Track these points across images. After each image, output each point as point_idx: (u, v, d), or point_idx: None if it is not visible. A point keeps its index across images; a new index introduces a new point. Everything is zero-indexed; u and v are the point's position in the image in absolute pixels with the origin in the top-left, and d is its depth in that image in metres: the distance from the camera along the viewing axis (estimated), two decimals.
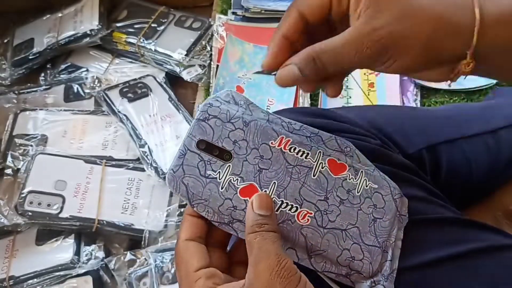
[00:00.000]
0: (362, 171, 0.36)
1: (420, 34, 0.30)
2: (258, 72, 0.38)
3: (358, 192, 0.36)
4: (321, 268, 0.34)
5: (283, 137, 0.36)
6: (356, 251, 0.34)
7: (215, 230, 0.35)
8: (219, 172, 0.34)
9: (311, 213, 0.34)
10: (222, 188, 0.34)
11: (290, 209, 0.34)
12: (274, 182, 0.35)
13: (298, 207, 0.34)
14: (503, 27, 0.30)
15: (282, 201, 0.34)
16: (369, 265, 0.34)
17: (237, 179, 0.34)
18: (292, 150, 0.36)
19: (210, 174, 0.34)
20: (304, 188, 0.35)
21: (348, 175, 0.36)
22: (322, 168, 0.36)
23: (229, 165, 0.34)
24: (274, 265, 0.30)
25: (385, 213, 0.36)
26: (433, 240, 0.38)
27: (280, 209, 0.34)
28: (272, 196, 0.34)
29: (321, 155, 0.36)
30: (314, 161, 0.36)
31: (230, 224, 0.34)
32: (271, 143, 0.36)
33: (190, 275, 0.32)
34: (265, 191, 0.34)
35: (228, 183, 0.34)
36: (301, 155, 0.36)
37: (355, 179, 0.36)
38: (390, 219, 0.35)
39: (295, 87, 0.79)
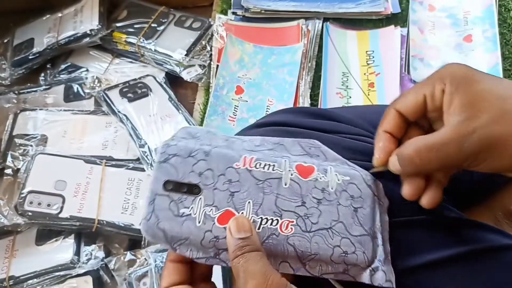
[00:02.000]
0: (330, 167, 0.37)
1: None
2: (373, 172, 0.39)
3: (332, 189, 0.36)
4: (318, 272, 0.34)
5: (246, 156, 0.36)
6: (346, 245, 0.34)
7: (196, 267, 0.35)
8: (192, 207, 0.34)
9: (293, 221, 0.34)
10: (199, 222, 0.33)
11: (271, 224, 0.34)
12: (249, 202, 0.34)
13: (279, 219, 0.34)
14: None
15: (261, 217, 0.34)
16: (363, 255, 0.34)
17: (212, 208, 0.34)
18: (258, 166, 0.36)
19: (184, 212, 0.34)
20: (279, 199, 0.35)
21: (318, 175, 0.36)
22: (291, 175, 0.36)
23: (201, 198, 0.34)
24: (261, 284, 0.30)
25: (364, 200, 0.36)
26: (433, 241, 0.38)
27: (262, 226, 0.34)
28: (250, 216, 0.34)
29: (287, 163, 0.36)
30: (282, 170, 0.36)
31: (217, 256, 0.33)
32: (236, 165, 0.36)
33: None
34: (242, 213, 0.34)
35: (204, 215, 0.34)
36: (268, 169, 0.36)
37: (326, 176, 0.36)
38: (370, 205, 0.36)
39: (295, 86, 0.79)
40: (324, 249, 0.34)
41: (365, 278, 0.34)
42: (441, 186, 0.37)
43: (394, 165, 0.36)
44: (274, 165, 0.36)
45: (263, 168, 0.36)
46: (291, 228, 0.34)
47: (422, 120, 0.38)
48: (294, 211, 0.35)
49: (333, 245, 0.34)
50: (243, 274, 0.31)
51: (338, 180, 0.36)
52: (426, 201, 0.36)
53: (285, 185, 0.36)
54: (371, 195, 0.36)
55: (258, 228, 0.34)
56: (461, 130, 0.32)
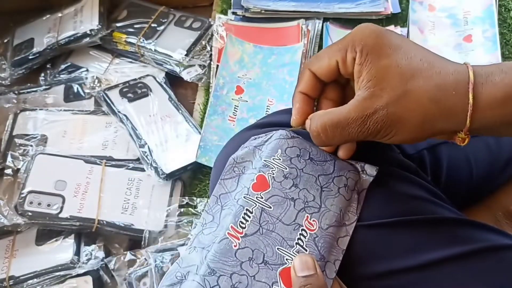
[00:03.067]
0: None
1: (416, 117, 0.33)
2: (292, 129, 0.40)
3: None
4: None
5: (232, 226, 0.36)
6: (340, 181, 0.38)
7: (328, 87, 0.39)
8: None
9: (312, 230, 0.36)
10: None
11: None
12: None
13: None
14: (495, 109, 0.32)
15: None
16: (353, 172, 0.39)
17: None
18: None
19: None
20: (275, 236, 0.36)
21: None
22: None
23: None
24: None
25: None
26: (433, 241, 0.38)
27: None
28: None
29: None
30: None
31: None
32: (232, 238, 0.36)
33: None
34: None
35: None
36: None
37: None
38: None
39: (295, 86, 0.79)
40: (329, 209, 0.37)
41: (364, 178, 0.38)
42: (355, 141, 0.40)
43: (308, 127, 0.38)
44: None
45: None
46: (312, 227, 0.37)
47: (339, 77, 0.39)
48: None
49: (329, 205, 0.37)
50: None
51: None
52: (341, 153, 0.40)
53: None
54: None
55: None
56: (363, 110, 0.34)
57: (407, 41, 0.35)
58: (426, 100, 0.32)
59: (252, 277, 0.34)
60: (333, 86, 0.40)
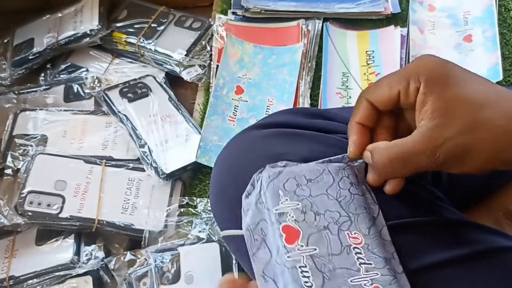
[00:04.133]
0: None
1: (487, 147, 0.32)
2: (349, 161, 0.40)
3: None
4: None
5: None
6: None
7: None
8: None
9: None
10: None
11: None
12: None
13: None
14: None
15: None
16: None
17: None
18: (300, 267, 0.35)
19: None
20: None
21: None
22: (364, 285, 0.34)
23: None
24: None
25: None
26: (434, 243, 0.38)
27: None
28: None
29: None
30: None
31: None
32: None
33: None
34: None
35: None
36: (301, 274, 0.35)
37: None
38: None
39: (295, 86, 0.79)
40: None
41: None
42: (404, 177, 0.38)
43: (368, 159, 0.37)
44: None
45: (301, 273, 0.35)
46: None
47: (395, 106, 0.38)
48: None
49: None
50: None
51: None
52: (389, 188, 0.38)
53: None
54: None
55: None
56: (432, 140, 0.33)
57: (471, 72, 0.35)
58: (497, 129, 0.32)
59: None
60: (388, 114, 0.39)
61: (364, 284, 0.34)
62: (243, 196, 0.39)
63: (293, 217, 0.36)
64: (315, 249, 0.35)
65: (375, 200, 0.38)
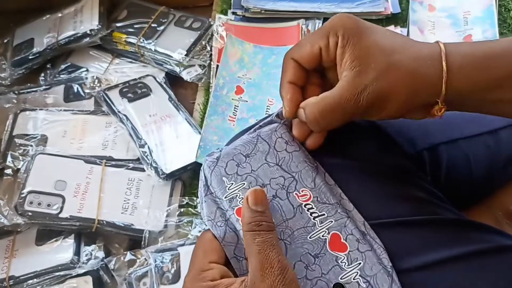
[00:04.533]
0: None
1: (401, 89, 0.35)
2: (285, 121, 0.41)
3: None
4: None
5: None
6: None
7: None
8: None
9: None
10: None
11: None
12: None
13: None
14: (467, 76, 0.35)
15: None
16: None
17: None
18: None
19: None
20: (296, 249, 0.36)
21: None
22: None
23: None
24: (277, 274, 0.32)
25: None
26: (433, 241, 0.38)
27: None
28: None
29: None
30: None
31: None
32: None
33: (204, 264, 0.35)
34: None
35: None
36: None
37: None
38: None
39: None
40: None
41: None
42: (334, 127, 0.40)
43: (302, 116, 0.39)
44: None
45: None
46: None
47: (318, 66, 0.40)
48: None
49: None
50: (260, 257, 0.32)
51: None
52: (310, 142, 0.40)
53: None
54: None
55: None
56: (354, 88, 0.35)
57: (380, 26, 0.38)
58: (409, 72, 0.35)
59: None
60: (315, 73, 0.41)
61: (322, 236, 0.36)
62: (200, 192, 0.40)
63: (242, 198, 0.37)
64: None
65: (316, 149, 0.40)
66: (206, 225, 0.38)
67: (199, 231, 0.66)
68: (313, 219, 0.36)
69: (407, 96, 0.35)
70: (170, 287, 0.62)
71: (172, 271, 0.62)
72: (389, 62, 0.35)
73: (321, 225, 0.36)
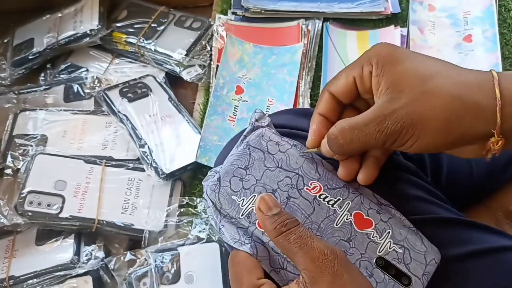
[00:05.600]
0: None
1: (438, 115, 0.31)
2: (311, 150, 0.40)
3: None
4: None
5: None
6: None
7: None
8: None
9: None
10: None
11: None
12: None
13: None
14: None
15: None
16: None
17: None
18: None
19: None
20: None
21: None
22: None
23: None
24: (333, 258, 0.30)
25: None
26: (433, 241, 0.38)
27: None
28: None
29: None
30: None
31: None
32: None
33: (254, 282, 0.34)
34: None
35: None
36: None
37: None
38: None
39: (295, 86, 0.79)
40: None
41: None
42: (378, 162, 0.38)
43: (325, 148, 0.37)
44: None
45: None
46: None
47: (358, 102, 0.38)
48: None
49: None
50: (303, 251, 0.31)
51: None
52: (362, 177, 0.38)
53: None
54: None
55: None
56: (381, 111, 0.33)
57: (419, 53, 0.35)
58: (448, 96, 0.31)
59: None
60: (351, 110, 0.39)
61: (347, 219, 0.36)
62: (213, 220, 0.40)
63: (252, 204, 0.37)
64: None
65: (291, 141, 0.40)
66: (232, 247, 0.37)
67: (199, 231, 0.66)
68: (332, 206, 0.37)
69: (446, 124, 0.31)
70: (170, 287, 0.62)
71: (172, 271, 0.62)
72: (425, 87, 0.32)
73: (341, 209, 0.37)
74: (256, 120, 0.41)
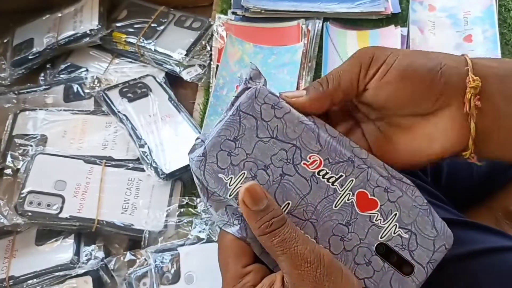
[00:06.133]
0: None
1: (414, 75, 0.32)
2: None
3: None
4: None
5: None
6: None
7: None
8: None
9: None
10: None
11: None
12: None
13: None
14: (497, 80, 0.32)
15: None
16: None
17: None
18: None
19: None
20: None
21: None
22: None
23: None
24: (316, 267, 0.28)
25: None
26: None
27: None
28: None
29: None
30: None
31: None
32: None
33: (239, 270, 0.32)
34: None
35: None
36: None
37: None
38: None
39: (295, 86, 0.79)
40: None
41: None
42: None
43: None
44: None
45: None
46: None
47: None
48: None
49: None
50: (285, 257, 0.29)
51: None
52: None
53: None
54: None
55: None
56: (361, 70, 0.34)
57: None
58: (425, 65, 0.33)
59: None
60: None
61: (348, 199, 0.32)
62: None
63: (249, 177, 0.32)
64: (288, 204, 0.32)
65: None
66: (221, 228, 0.34)
67: (199, 231, 0.66)
68: (332, 184, 0.32)
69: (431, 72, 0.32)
70: (170, 287, 0.62)
71: (172, 271, 0.62)
72: (406, 64, 0.33)
73: (342, 188, 0.32)
74: (250, 79, 0.35)
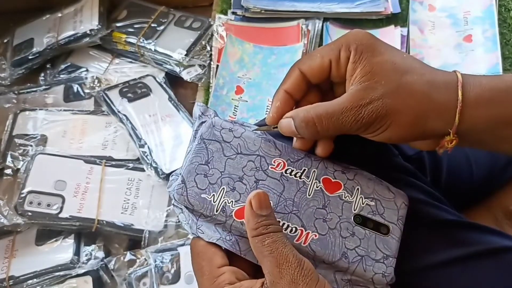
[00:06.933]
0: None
1: (410, 110, 0.33)
2: (262, 129, 0.40)
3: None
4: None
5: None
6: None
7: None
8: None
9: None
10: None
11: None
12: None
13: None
14: (482, 108, 0.33)
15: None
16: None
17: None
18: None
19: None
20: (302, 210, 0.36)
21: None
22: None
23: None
24: (295, 267, 0.31)
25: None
26: (433, 243, 0.38)
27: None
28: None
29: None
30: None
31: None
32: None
33: (214, 270, 0.34)
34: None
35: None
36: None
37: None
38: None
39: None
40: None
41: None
42: (332, 138, 0.38)
43: (286, 127, 0.37)
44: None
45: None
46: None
47: (323, 83, 0.38)
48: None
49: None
50: (271, 256, 0.31)
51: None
52: (320, 150, 0.38)
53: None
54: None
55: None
56: (358, 100, 0.34)
57: (397, 48, 0.37)
58: (420, 94, 0.33)
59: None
60: (315, 91, 0.39)
61: (317, 187, 0.37)
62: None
63: (232, 201, 0.36)
64: (270, 203, 0.36)
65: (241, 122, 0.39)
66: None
67: None
68: (300, 178, 0.37)
69: (415, 120, 0.33)
70: (170, 287, 0.62)
71: (172, 271, 0.62)
72: (401, 81, 0.33)
73: (309, 179, 0.37)
74: (202, 113, 0.40)
